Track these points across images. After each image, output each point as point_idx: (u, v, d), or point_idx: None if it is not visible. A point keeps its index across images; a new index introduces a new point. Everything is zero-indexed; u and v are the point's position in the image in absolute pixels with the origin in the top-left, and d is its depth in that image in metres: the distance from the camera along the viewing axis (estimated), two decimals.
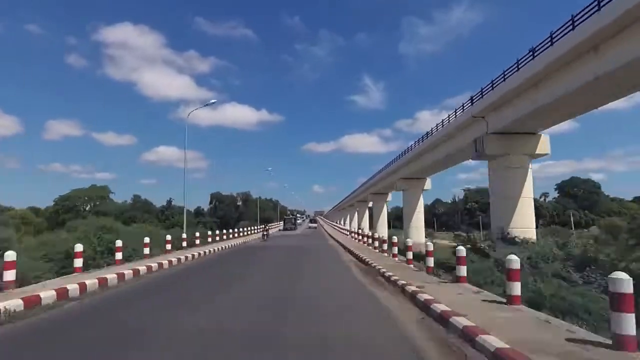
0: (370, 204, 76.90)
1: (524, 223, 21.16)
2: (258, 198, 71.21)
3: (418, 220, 41.22)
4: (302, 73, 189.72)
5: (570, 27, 15.08)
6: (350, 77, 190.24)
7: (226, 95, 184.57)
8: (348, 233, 26.34)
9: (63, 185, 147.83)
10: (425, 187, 41.64)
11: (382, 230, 49.74)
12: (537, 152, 22.01)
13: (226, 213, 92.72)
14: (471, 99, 23.49)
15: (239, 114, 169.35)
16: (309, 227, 55.61)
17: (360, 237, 20.27)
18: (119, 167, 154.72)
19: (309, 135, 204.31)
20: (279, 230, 43.91)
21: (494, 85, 20.64)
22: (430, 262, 9.83)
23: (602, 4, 13.35)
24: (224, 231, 25.54)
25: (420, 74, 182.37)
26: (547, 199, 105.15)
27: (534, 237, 20.89)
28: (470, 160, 28.32)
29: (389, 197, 61.07)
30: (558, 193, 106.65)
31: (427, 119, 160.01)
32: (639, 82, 14.57)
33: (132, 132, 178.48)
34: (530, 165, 22.22)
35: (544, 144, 21.98)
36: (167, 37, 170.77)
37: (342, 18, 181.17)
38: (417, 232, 39.66)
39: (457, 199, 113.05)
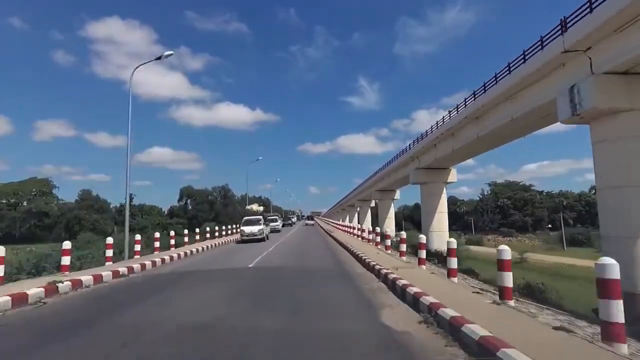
0: (373, 203, 68.44)
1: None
2: (246, 195, 57.97)
3: (440, 222, 31.98)
4: (297, 71, 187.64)
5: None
6: (345, 77, 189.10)
7: (220, 94, 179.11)
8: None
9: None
10: (449, 180, 32.48)
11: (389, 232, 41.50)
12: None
13: (199, 212, 78.04)
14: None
15: (234, 114, 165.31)
16: (306, 224, 52.36)
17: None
18: (112, 168, 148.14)
19: (305, 136, 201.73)
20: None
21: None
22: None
23: None
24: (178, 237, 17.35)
25: (416, 73, 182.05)
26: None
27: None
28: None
29: (397, 195, 52.10)
30: None
31: (424, 119, 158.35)
32: None
33: (123, 132, 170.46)
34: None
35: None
36: (158, 33, 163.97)
37: (338, 18, 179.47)
38: (439, 239, 30.58)
39: (485, 194, 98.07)
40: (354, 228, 24.36)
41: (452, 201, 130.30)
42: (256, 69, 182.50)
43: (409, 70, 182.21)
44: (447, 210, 32.80)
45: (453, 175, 32.26)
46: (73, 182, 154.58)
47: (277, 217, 37.79)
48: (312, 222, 57.27)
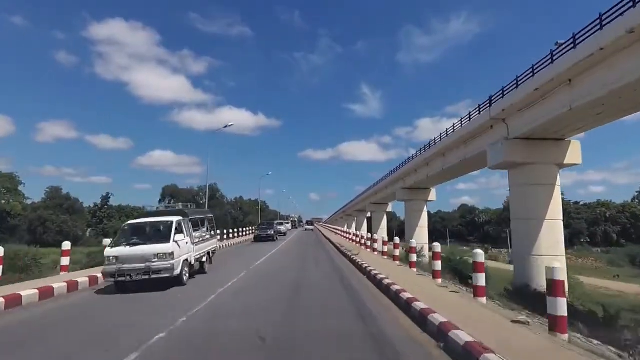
0: (390, 208, 54.09)
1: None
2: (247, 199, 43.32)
3: (556, 241, 17.11)
4: (300, 77, 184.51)
5: None
6: (348, 84, 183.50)
7: (222, 98, 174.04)
8: None
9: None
10: (567, 161, 17.68)
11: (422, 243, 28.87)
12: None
13: None
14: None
15: (236, 118, 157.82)
16: (305, 230, 57.86)
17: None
18: (113, 171, 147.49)
19: (307, 142, 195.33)
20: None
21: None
22: None
23: None
24: None
25: (420, 82, 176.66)
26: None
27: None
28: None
29: (432, 195, 37.27)
30: None
31: (428, 127, 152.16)
32: None
33: (125, 134, 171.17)
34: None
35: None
36: (161, 35, 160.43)
37: (342, 24, 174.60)
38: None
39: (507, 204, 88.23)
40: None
41: (468, 210, 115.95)
42: (259, 74, 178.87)
43: (412, 78, 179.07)
44: (562, 217, 17.79)
45: (576, 153, 17.49)
46: (73, 184, 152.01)
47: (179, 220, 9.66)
48: (311, 227, 63.33)
